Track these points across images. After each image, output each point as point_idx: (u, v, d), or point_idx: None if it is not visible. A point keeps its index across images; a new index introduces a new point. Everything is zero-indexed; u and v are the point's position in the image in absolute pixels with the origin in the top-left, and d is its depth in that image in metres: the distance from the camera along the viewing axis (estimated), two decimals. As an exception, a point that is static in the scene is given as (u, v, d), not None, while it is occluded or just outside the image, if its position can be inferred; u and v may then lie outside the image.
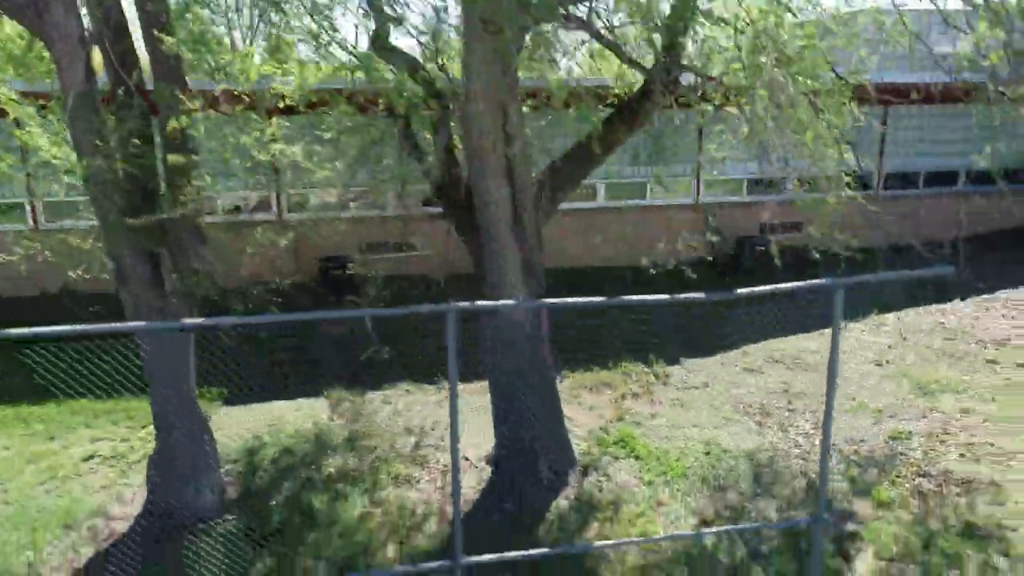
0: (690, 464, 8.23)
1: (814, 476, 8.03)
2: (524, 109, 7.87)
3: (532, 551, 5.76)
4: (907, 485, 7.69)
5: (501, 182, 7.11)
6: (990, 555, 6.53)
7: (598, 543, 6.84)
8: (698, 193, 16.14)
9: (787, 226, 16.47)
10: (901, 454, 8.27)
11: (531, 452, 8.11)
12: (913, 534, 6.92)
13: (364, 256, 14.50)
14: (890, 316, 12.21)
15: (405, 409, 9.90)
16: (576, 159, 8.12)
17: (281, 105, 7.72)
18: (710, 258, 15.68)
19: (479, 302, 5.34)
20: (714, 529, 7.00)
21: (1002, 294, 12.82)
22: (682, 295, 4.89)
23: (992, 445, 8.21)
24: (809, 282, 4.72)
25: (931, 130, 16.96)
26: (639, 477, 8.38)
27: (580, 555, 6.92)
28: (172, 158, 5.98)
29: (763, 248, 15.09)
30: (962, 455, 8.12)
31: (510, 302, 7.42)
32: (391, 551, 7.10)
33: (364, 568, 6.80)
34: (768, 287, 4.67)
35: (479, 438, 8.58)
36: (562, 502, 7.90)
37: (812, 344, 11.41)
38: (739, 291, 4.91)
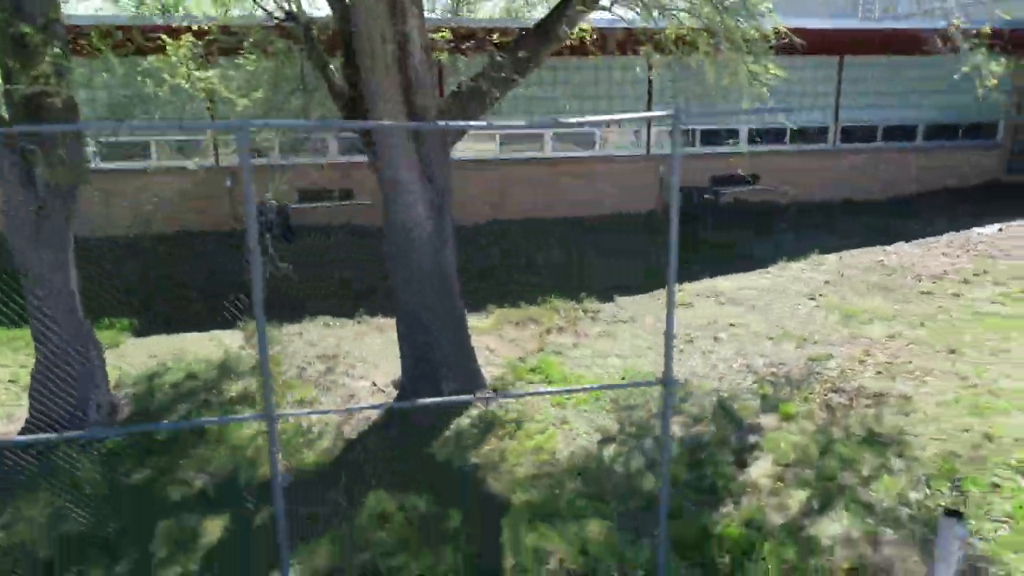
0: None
1: (725, 394, 7.80)
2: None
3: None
4: (817, 400, 7.46)
5: (391, 75, 6.81)
6: (887, 458, 6.31)
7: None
8: (648, 145, 15.84)
9: (741, 178, 16.18)
10: (818, 374, 8.03)
11: (435, 375, 7.87)
12: (814, 442, 6.70)
13: (301, 204, 14.24)
14: (831, 256, 11.95)
15: (320, 340, 9.62)
16: (490, 74, 7.86)
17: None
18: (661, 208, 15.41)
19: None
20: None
21: (946, 236, 12.57)
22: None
23: (911, 363, 7.98)
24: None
25: (889, 82, 16.68)
26: (548, 400, 8.12)
27: (472, 467, 6.71)
28: (26, 29, 5.66)
29: (711, 197, 14.80)
30: (879, 373, 7.89)
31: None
32: (279, 465, 6.83)
33: (245, 481, 6.56)
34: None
35: (394, 366, 8.33)
36: (464, 421, 7.65)
37: (751, 282, 11.16)
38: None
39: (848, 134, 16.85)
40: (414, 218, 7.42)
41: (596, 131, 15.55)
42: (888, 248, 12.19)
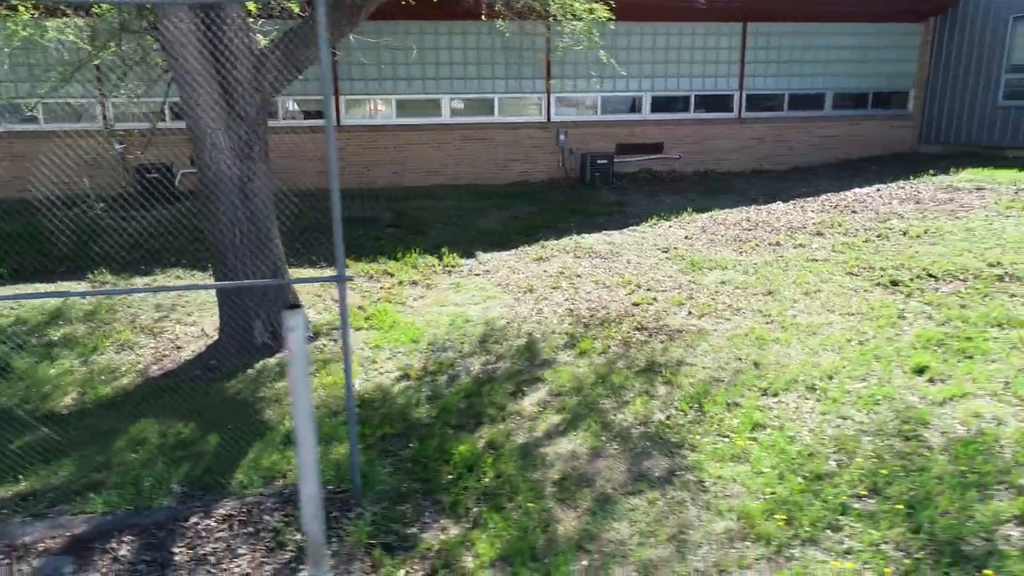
0: (430, 333, 8.00)
1: (539, 335, 7.82)
2: None
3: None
4: (619, 337, 7.46)
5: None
6: (654, 385, 6.32)
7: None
8: (549, 112, 15.82)
9: (647, 146, 16.21)
10: (633, 315, 8.04)
11: (247, 319, 7.90)
12: (593, 373, 6.71)
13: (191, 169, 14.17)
14: (704, 215, 11.97)
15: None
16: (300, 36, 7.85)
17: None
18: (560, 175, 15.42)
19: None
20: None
21: (824, 196, 12.60)
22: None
23: (726, 304, 8.00)
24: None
25: (796, 50, 16.70)
26: (368, 343, 8.15)
27: (255, 400, 6.73)
28: None
29: (604, 163, 14.81)
30: (690, 313, 7.90)
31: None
32: (70, 399, 6.88)
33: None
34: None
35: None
36: (271, 361, 7.66)
37: (616, 238, 11.18)
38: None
39: (754, 103, 16.86)
40: (219, 162, 7.43)
41: (495, 97, 15.53)
42: (762, 207, 12.21)
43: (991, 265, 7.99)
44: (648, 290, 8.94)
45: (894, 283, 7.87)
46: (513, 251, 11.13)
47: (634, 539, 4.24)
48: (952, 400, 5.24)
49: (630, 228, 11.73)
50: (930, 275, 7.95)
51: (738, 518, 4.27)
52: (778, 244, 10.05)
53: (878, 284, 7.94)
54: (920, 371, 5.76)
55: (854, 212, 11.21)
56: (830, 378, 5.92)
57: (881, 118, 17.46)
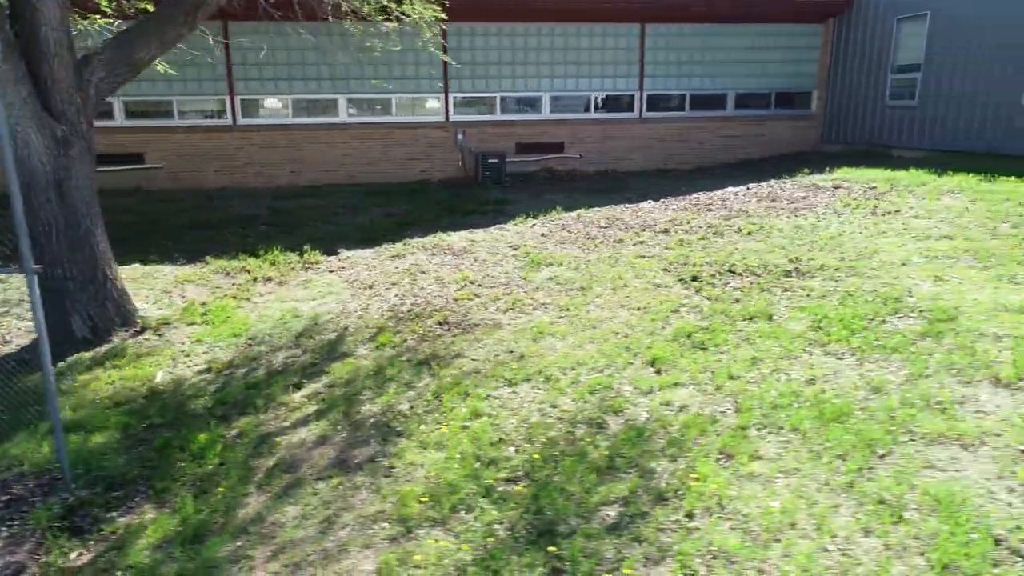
0: (258, 328, 8.18)
1: (352, 330, 8.03)
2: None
3: None
4: (420, 332, 7.68)
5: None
6: (420, 377, 6.55)
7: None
8: (447, 111, 16.03)
9: (547, 146, 16.44)
10: (447, 311, 8.25)
11: (62, 311, 8.08)
12: (376, 365, 6.91)
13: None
14: (571, 213, 12.21)
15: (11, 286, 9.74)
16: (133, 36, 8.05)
17: None
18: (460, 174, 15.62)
19: None
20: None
21: (696, 195, 12.86)
22: None
23: (535, 299, 8.22)
24: None
25: (695, 51, 16.96)
26: (191, 337, 8.33)
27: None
28: None
29: (495, 162, 15.03)
30: (498, 309, 8.12)
31: None
32: None
33: None
34: None
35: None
36: (86, 355, 7.84)
37: (478, 236, 11.39)
38: None
39: (655, 103, 17.12)
40: (31, 159, 7.60)
41: (392, 97, 15.72)
42: (632, 206, 12.45)
43: (791, 261, 8.25)
44: (478, 286, 9.16)
45: (695, 279, 8.12)
46: (376, 248, 11.34)
47: (293, 522, 4.45)
48: (658, 389, 5.48)
49: (497, 226, 11.95)
50: (731, 271, 8.20)
51: (395, 501, 4.49)
52: (621, 241, 10.29)
53: (680, 279, 8.18)
54: (653, 362, 5.99)
55: (709, 210, 11.47)
56: (573, 369, 6.15)
57: (784, 118, 17.75)
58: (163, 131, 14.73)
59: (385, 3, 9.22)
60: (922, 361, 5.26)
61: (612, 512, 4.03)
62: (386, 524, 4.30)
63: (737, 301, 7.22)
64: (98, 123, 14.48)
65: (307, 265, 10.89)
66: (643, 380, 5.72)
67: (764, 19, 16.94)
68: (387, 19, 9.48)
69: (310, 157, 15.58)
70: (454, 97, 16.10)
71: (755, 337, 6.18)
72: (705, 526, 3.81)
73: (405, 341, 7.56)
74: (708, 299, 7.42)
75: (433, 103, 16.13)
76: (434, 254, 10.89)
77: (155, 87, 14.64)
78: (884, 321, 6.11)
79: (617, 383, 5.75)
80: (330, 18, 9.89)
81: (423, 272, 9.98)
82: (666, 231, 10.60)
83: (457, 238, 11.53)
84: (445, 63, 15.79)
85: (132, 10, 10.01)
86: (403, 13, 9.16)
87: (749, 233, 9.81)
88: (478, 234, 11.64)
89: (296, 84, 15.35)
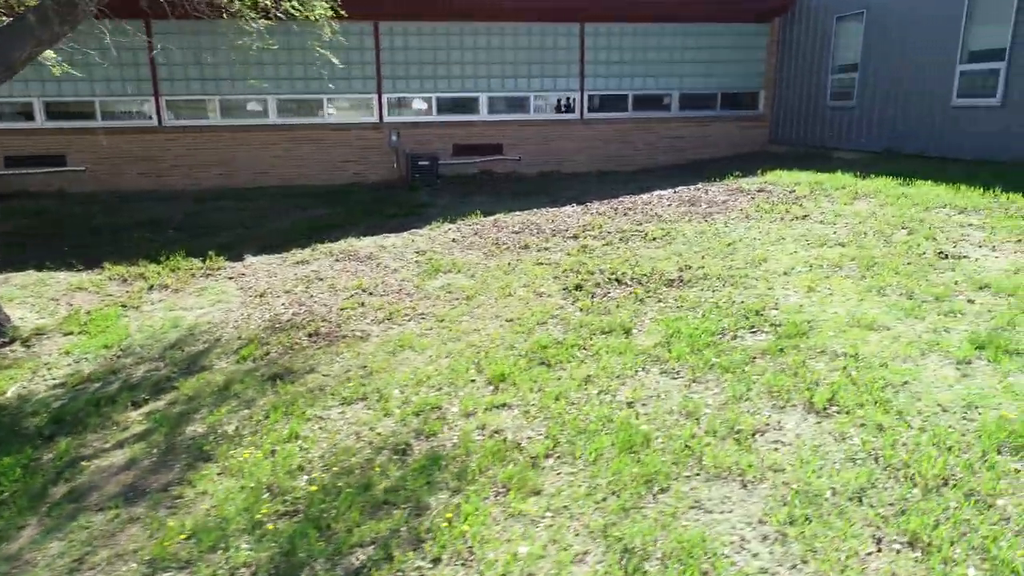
0: (135, 338, 7.91)
1: (224, 341, 7.77)
2: None
3: None
4: (287, 343, 7.42)
5: None
6: (264, 394, 6.28)
7: None
8: (381, 112, 15.74)
9: (486, 148, 16.17)
10: (325, 320, 7.98)
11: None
12: (226, 380, 6.65)
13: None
14: (489, 218, 11.95)
15: None
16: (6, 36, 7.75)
17: None
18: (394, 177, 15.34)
19: None
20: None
21: (622, 198, 12.60)
22: None
23: (412, 311, 7.96)
24: None
25: (637, 50, 16.70)
26: (61, 349, 8.05)
27: None
28: None
29: (426, 164, 14.75)
30: (375, 319, 7.85)
31: None
32: None
33: None
34: None
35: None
36: (-55, 365, 7.54)
37: (388, 241, 11.11)
38: None
39: (596, 104, 16.85)
40: None
41: (323, 98, 15.43)
42: (553, 209, 12.19)
43: (680, 269, 8.00)
44: (368, 294, 8.91)
45: (578, 287, 7.87)
46: (284, 254, 11.06)
47: (47, 560, 4.19)
48: (482, 411, 5.23)
49: (411, 231, 11.68)
50: (618, 280, 7.95)
51: (159, 537, 4.21)
52: (527, 247, 10.04)
53: (565, 289, 7.93)
54: (495, 380, 5.74)
55: (627, 214, 11.23)
56: (413, 386, 5.90)
57: (731, 119, 17.50)
58: (85, 132, 14.42)
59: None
60: (747, 382, 5.00)
61: (363, 555, 3.76)
62: (134, 564, 4.02)
63: (607, 313, 6.97)
64: (18, 124, 14.20)
65: (209, 272, 10.61)
66: (474, 400, 5.46)
67: (708, 18, 16.70)
68: (267, 16, 9.17)
69: (240, 160, 15.29)
70: (388, 98, 15.81)
71: (603, 353, 5.92)
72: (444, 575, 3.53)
73: (268, 354, 7.30)
74: (580, 311, 7.17)
75: (366, 104, 15.83)
76: (339, 260, 10.61)
77: (77, 87, 14.33)
78: (735, 336, 5.85)
79: (448, 403, 5.48)
80: (225, 16, 9.60)
81: (320, 279, 9.71)
82: (575, 236, 10.34)
83: (368, 243, 11.25)
84: (379, 64, 15.50)
85: (21, 7, 9.69)
86: (294, 8, 8.86)
87: (654, 239, 9.56)
88: (390, 239, 11.36)
89: (223, 85, 15.05)
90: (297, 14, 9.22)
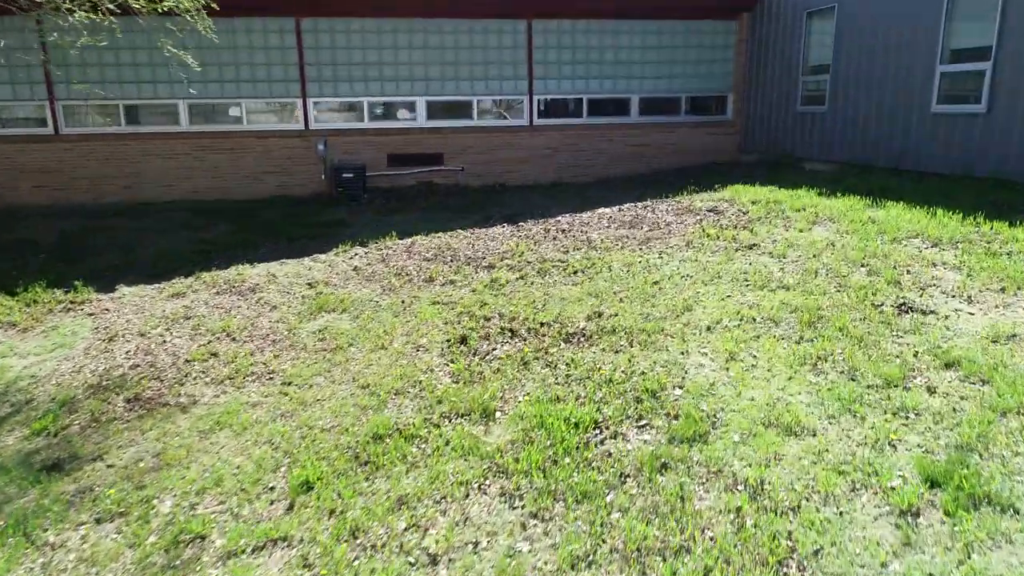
0: None
1: (36, 403, 6.44)
2: None
3: None
4: (99, 411, 6.07)
5: None
6: (26, 491, 4.91)
7: None
8: (307, 118, 14.35)
9: (424, 157, 14.78)
10: (158, 378, 6.61)
11: None
12: (5, 460, 5.29)
13: None
14: (405, 240, 10.60)
15: None
16: None
17: None
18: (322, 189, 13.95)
19: None
20: None
21: (561, 216, 11.23)
22: None
23: (263, 366, 6.61)
24: None
25: (592, 51, 15.31)
26: None
27: None
28: None
29: (350, 176, 13.36)
30: (214, 378, 6.51)
31: None
32: None
33: None
34: None
35: None
36: None
37: (284, 269, 9.74)
38: None
39: (547, 109, 15.46)
40: None
41: (241, 102, 14.03)
42: (478, 231, 10.83)
43: (589, 317, 6.66)
44: (231, 340, 7.57)
45: (463, 341, 6.52)
46: (163, 284, 9.68)
47: None
48: (248, 552, 3.84)
49: (313, 256, 10.32)
50: (512, 331, 6.60)
51: None
52: (431, 280, 8.69)
53: (448, 341, 6.59)
54: (296, 490, 4.34)
55: (556, 238, 9.88)
56: (200, 493, 4.50)
57: (698, 125, 16.14)
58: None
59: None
60: (600, 529, 3.58)
61: None
62: None
63: (479, 381, 5.61)
64: None
65: (70, 306, 9.23)
66: (249, 529, 4.08)
67: (670, 14, 15.33)
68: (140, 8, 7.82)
69: (148, 171, 13.89)
70: (314, 102, 14.40)
71: (444, 453, 4.54)
72: None
73: (67, 427, 5.95)
74: (450, 376, 5.81)
75: (290, 109, 14.42)
76: (219, 293, 9.24)
77: (-41, 91, 12.96)
78: (615, 435, 4.46)
79: (216, 532, 4.08)
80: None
81: (188, 318, 8.35)
82: (490, 266, 8.99)
83: (260, 271, 9.87)
84: (302, 65, 14.09)
85: None
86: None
87: (575, 271, 8.20)
88: (287, 266, 9.99)
89: (128, 88, 13.64)
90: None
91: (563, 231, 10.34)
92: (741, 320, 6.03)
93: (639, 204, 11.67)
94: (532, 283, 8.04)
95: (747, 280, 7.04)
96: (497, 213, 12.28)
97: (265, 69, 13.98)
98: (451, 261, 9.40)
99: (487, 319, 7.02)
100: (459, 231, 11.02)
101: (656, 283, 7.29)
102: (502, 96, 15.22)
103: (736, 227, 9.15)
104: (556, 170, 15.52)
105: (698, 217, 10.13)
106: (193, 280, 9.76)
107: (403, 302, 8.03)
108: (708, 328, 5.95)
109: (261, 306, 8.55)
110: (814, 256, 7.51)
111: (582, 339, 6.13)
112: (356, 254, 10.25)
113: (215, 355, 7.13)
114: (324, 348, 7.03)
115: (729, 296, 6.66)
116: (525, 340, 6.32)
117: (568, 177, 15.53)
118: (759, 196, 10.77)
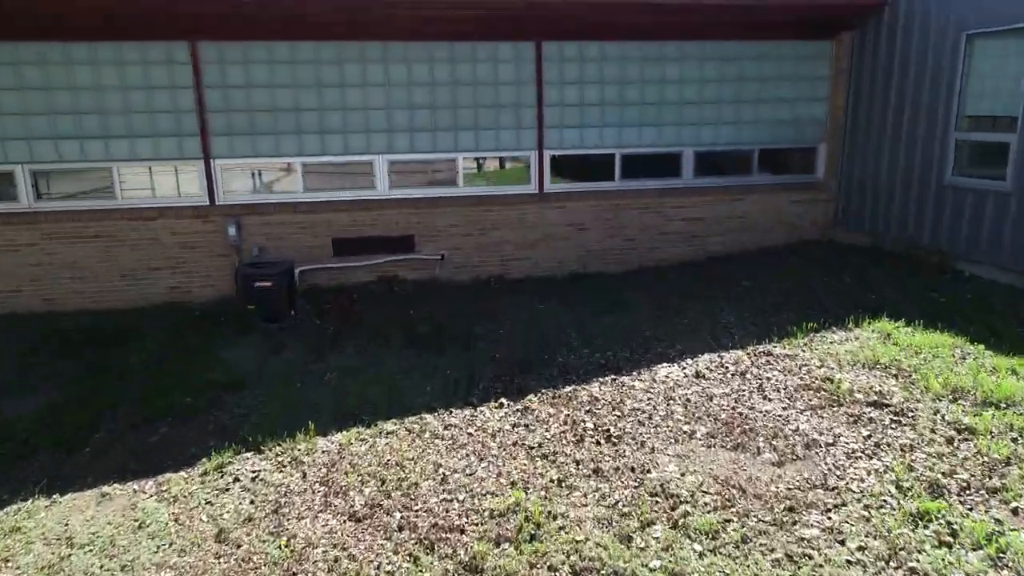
0: None
1: None
2: None
3: None
4: None
5: None
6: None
7: None
8: (213, 187, 10.01)
9: (387, 241, 10.45)
10: None
11: None
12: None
13: None
14: (338, 439, 6.17)
15: None
16: None
17: None
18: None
19: None
20: None
21: (591, 376, 6.87)
22: None
23: None
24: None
25: (628, 86, 10.98)
26: None
27: None
28: None
29: (268, 285, 8.98)
30: None
31: None
32: None
33: None
34: None
35: None
36: None
37: (92, 523, 5.35)
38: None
39: (565, 168, 11.13)
40: None
41: (113, 167, 9.68)
42: (454, 421, 6.46)
43: None
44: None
45: None
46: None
47: None
48: None
49: (157, 477, 6.01)
50: None
51: None
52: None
53: None
54: None
55: (594, 465, 5.48)
56: None
57: (773, 188, 11.78)
58: None
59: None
60: None
61: None
62: None
63: None
64: None
65: None
66: None
67: (733, 32, 11.03)
68: None
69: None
70: (222, 165, 10.04)
71: None
72: None
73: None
74: None
75: (185, 173, 10.05)
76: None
77: None
78: None
79: None
80: None
81: None
82: (475, 567, 4.58)
83: (47, 537, 5.48)
84: (202, 110, 9.72)
85: None
86: None
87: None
88: (103, 511, 5.62)
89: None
90: None
91: (605, 433, 5.94)
92: None
93: (724, 357, 7.28)
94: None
95: None
96: (489, 359, 7.87)
97: (146, 118, 9.63)
98: (401, 528, 5.00)
99: None
100: (423, 417, 6.61)
101: None
102: (499, 152, 10.83)
103: (951, 459, 4.75)
104: (578, 257, 11.15)
105: (854, 417, 5.75)
106: None
107: None
108: None
109: None
110: None
111: None
112: (233, 480, 5.82)
113: None
114: None
115: None
116: None
117: (595, 266, 11.16)
118: (930, 342, 6.34)
